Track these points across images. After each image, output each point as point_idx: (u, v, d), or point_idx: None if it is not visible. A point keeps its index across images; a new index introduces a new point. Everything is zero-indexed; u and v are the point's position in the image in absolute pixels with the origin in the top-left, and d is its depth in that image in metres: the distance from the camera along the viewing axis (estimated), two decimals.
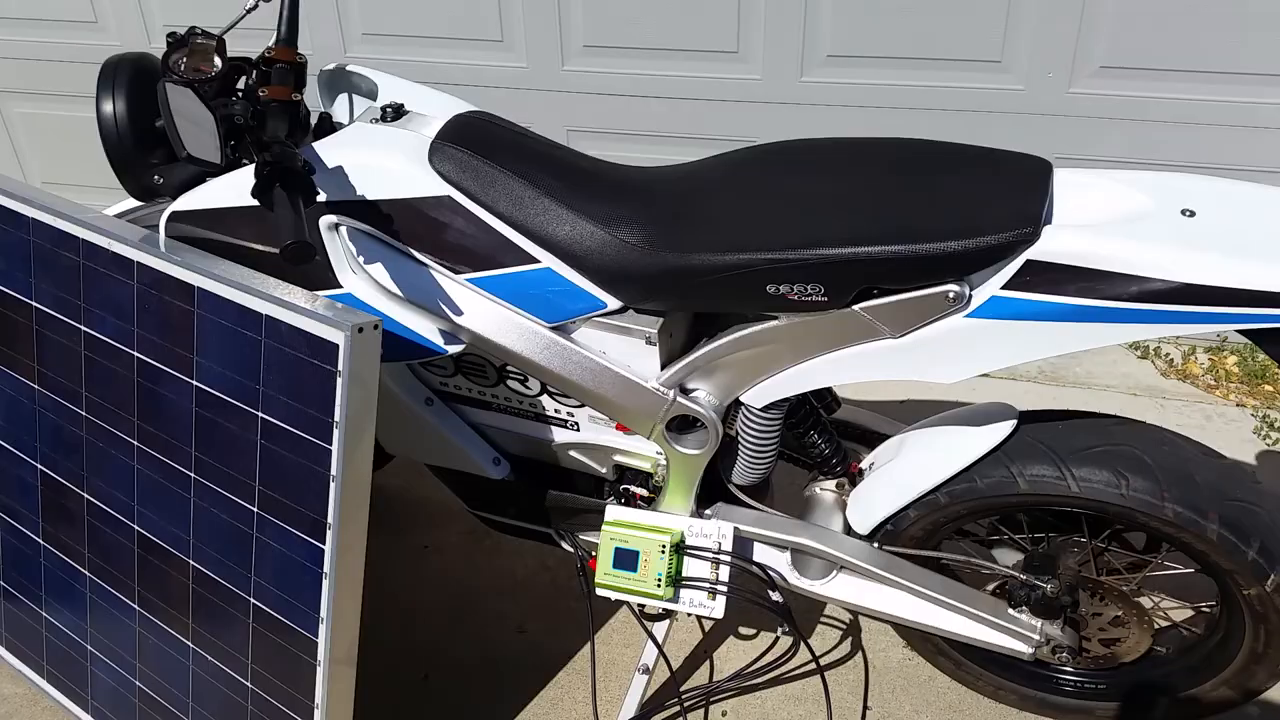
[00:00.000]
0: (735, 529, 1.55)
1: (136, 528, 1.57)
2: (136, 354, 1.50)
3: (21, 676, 1.81)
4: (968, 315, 1.25)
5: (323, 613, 1.36)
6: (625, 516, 1.57)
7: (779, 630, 1.61)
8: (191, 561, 1.50)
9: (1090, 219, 1.25)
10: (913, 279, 1.24)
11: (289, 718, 1.44)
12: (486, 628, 1.95)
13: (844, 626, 1.93)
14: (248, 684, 1.48)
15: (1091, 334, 1.20)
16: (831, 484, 1.64)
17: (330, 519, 1.32)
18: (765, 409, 1.46)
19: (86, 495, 1.63)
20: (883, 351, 1.31)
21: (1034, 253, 1.21)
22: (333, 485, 1.31)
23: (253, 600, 1.44)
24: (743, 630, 1.91)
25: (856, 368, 1.33)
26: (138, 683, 1.64)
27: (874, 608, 1.59)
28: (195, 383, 1.43)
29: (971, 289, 1.25)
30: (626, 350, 1.44)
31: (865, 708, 1.78)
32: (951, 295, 1.24)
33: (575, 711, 1.78)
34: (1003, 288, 1.23)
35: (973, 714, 1.76)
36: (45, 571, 1.72)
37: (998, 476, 1.42)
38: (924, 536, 1.55)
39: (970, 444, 1.44)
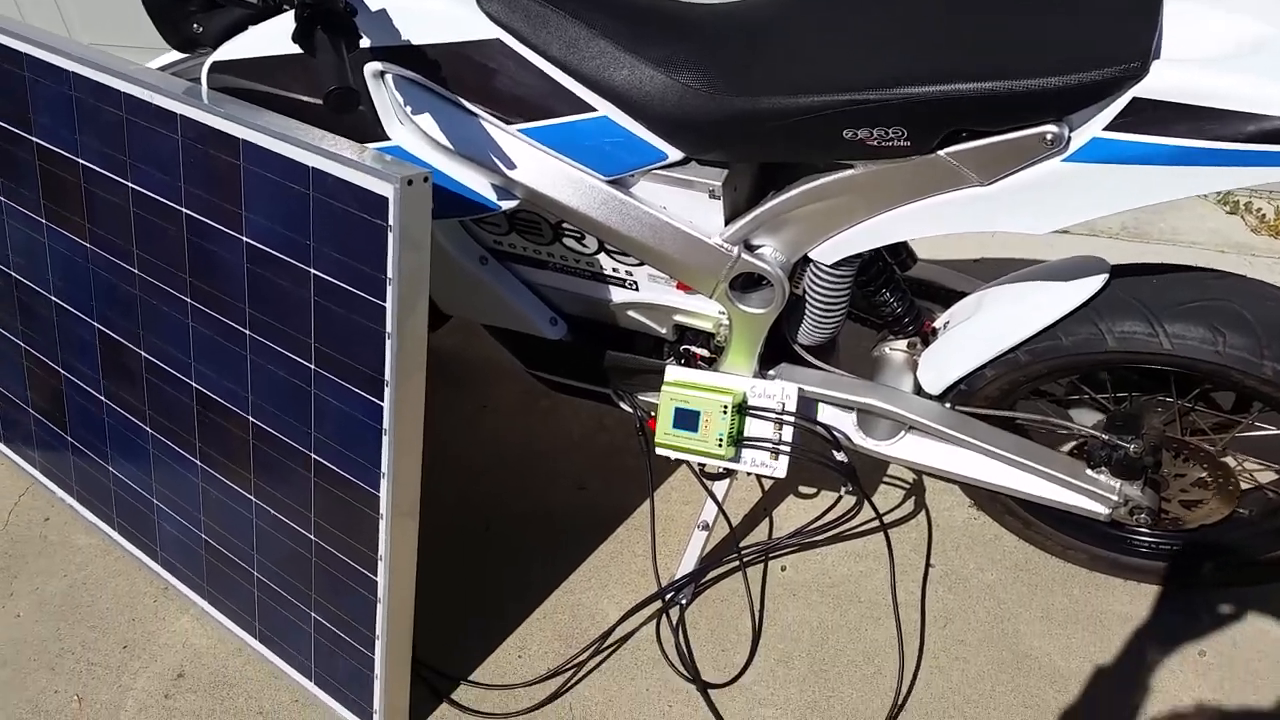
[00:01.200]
0: (800, 390, 1.50)
1: (195, 385, 1.56)
2: (185, 210, 1.46)
3: (94, 529, 1.86)
4: (1065, 159, 1.15)
5: (384, 467, 1.35)
6: (686, 377, 1.52)
7: (842, 490, 1.58)
8: (251, 418, 1.50)
9: (1203, 52, 1.13)
10: (1006, 120, 1.14)
11: (352, 569, 1.46)
12: (545, 484, 1.95)
13: (907, 485, 1.89)
14: (311, 536, 1.49)
15: (1200, 179, 1.10)
16: (902, 344, 1.57)
17: (388, 375, 1.29)
18: (836, 266, 1.38)
19: (144, 353, 1.63)
20: (968, 201, 1.22)
21: (1141, 90, 1.10)
22: (389, 342, 1.27)
23: (314, 455, 1.43)
24: (803, 489, 1.89)
25: (938, 219, 1.25)
26: (203, 535, 1.67)
27: (943, 468, 1.55)
28: (245, 238, 1.39)
29: (1070, 130, 1.15)
30: (688, 205, 1.36)
31: (928, 565, 1.76)
32: (1049, 137, 1.14)
33: (633, 565, 1.79)
34: (1105, 129, 1.12)
35: (1039, 573, 1.74)
36: (109, 428, 1.74)
37: (1084, 333, 1.34)
38: (999, 396, 1.49)
39: (1057, 299, 1.36)
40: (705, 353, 1.58)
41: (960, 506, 1.87)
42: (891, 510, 1.86)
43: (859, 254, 1.37)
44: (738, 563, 1.73)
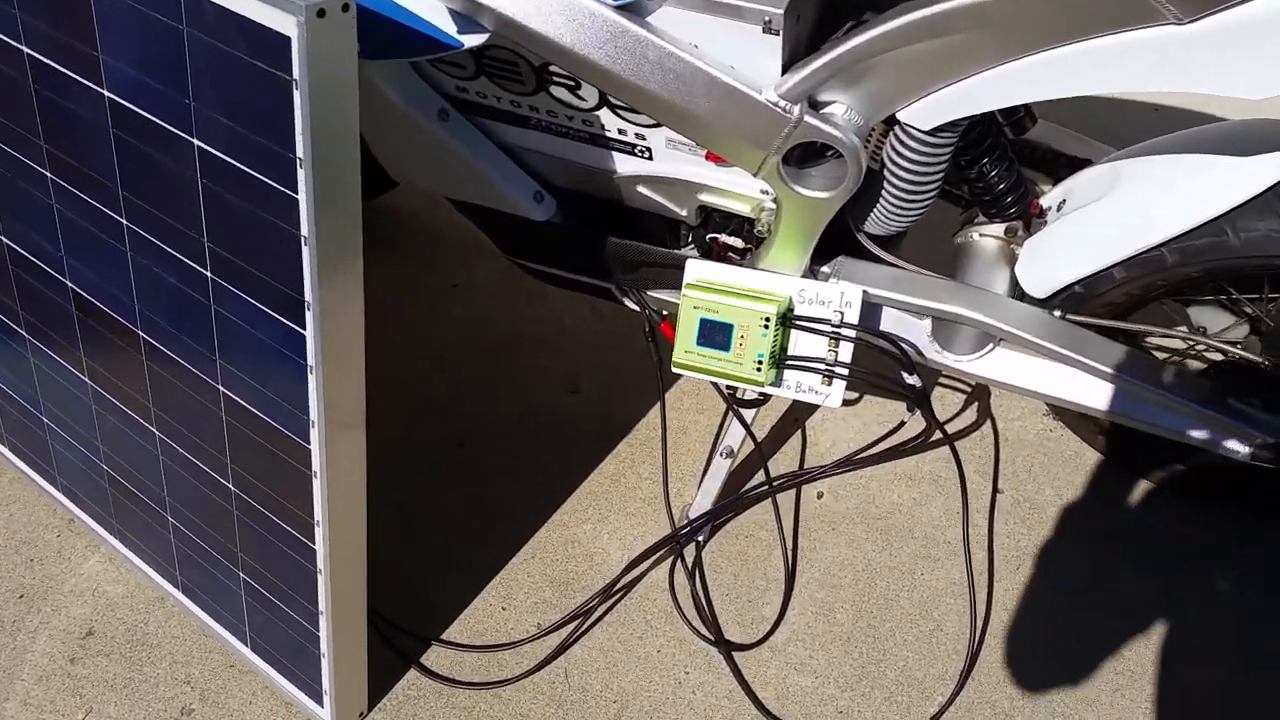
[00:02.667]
0: (864, 293, 1.14)
1: (69, 284, 1.19)
2: (27, 50, 1.04)
3: None
4: None
5: (313, 414, 1.00)
6: (714, 276, 1.16)
7: (907, 415, 1.25)
8: (140, 332, 1.13)
9: None
10: None
11: (285, 531, 1.13)
12: (530, 386, 1.61)
13: (966, 388, 1.57)
14: (230, 486, 1.16)
15: None
16: (997, 229, 1.20)
17: (309, 295, 0.92)
18: (935, 132, 1.00)
19: (4, 239, 1.24)
20: (1155, 47, 0.83)
21: None
22: (306, 250, 0.90)
23: (221, 388, 1.08)
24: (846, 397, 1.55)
25: (1104, 73, 0.86)
26: (104, 465, 1.33)
27: (1044, 391, 1.22)
28: (106, 92, 0.99)
29: None
30: (731, 43, 0.96)
31: (995, 490, 1.45)
32: None
33: (639, 490, 1.47)
34: None
35: (1129, 502, 1.43)
36: None
37: (1264, 229, 0.98)
38: (1126, 304, 1.14)
39: (1228, 180, 1.00)
40: (739, 243, 1.21)
41: (1033, 415, 1.55)
42: (949, 420, 1.54)
43: (969, 117, 0.98)
44: (766, 489, 1.41)
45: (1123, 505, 1.44)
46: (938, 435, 1.27)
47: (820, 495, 1.46)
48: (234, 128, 0.89)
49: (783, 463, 1.49)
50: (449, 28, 0.99)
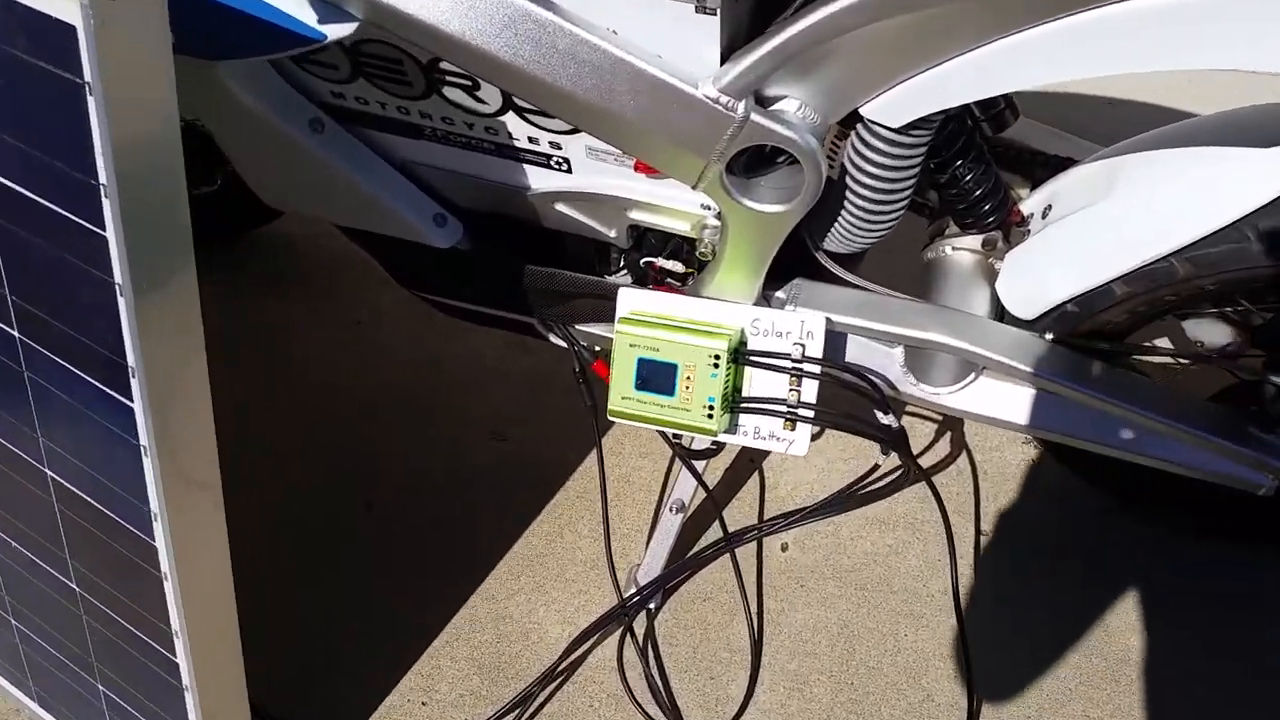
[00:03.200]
0: (827, 320, 0.97)
1: None
2: None
3: None
4: None
5: (153, 504, 0.80)
6: (653, 307, 0.98)
7: (882, 458, 1.08)
8: None
9: None
10: None
11: (141, 641, 0.92)
12: (449, 435, 1.41)
13: (938, 417, 1.41)
14: (73, 586, 0.95)
15: None
16: (973, 242, 1.04)
17: (130, 358, 0.72)
18: (906, 129, 0.83)
19: None
20: (1173, 15, 0.67)
21: None
22: (121, 300, 0.70)
23: (48, 472, 0.87)
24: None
25: (1110, 50, 0.70)
26: None
27: (1033, 425, 1.06)
28: None
29: None
30: (657, 26, 0.79)
31: (978, 532, 1.29)
32: None
33: (580, 551, 1.29)
34: None
35: (1129, 539, 1.28)
36: None
37: None
38: (1126, 324, 0.99)
39: (1248, 179, 0.84)
40: (679, 267, 1.03)
41: (1011, 443, 1.39)
42: (921, 454, 1.37)
43: (945, 110, 0.81)
44: (723, 545, 1.23)
45: (1124, 544, 1.28)
46: (913, 474, 1.10)
47: (785, 548, 1.28)
48: (24, 149, 0.69)
49: (740, 513, 1.31)
50: (308, 18, 0.80)
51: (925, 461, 1.36)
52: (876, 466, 1.12)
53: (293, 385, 1.48)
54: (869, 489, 1.20)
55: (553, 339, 1.15)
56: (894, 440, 1.02)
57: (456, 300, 1.13)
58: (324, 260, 1.65)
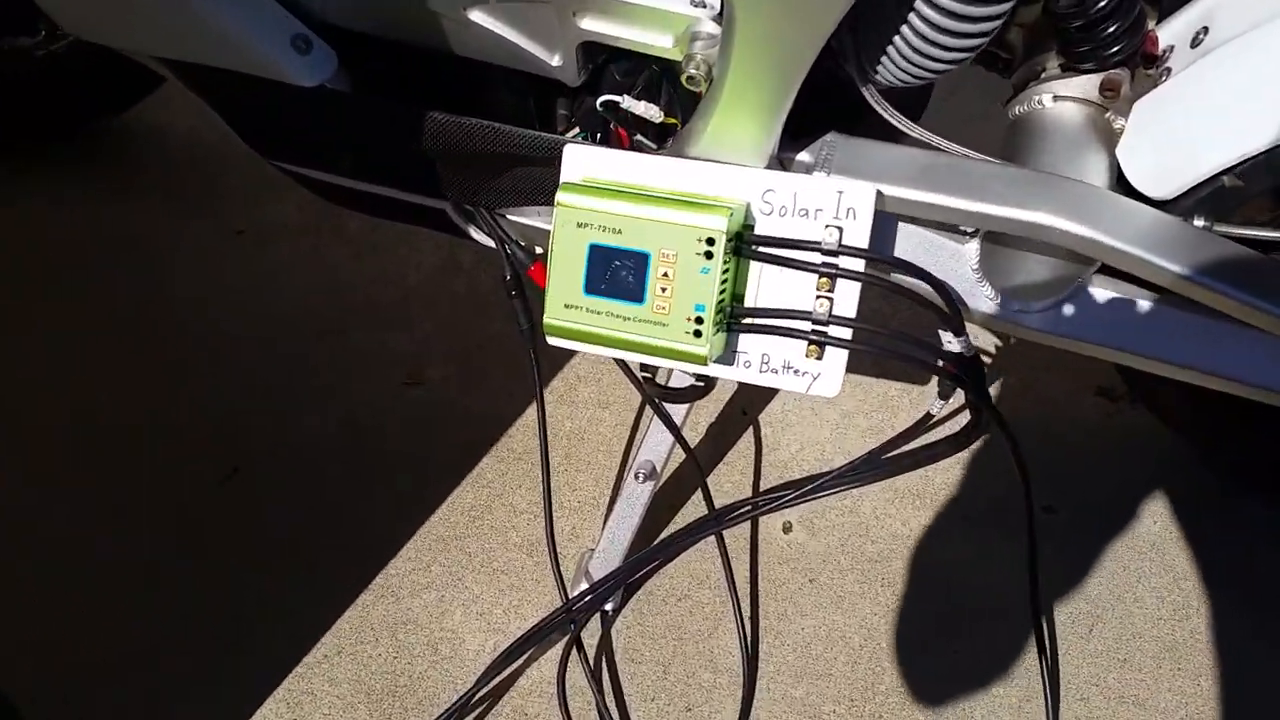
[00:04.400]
0: (877, 193, 0.64)
1: None
2: None
3: None
4: None
5: None
6: (614, 171, 0.64)
7: (937, 403, 0.75)
8: None
9: None
10: None
11: None
12: (348, 378, 1.08)
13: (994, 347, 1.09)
14: None
15: None
16: (1085, 86, 0.71)
17: None
18: None
19: None
20: None
21: None
22: None
23: None
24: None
25: None
26: None
27: (1163, 356, 0.74)
28: None
29: None
30: None
31: (1039, 509, 0.97)
32: None
33: (513, 532, 0.96)
34: None
35: (1238, 519, 0.97)
36: None
37: None
38: None
39: None
40: (653, 112, 0.69)
41: (1083, 389, 1.07)
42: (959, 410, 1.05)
43: None
44: (707, 524, 0.90)
45: (1240, 535, 0.97)
46: (980, 427, 0.77)
47: (788, 529, 0.96)
48: None
49: (730, 482, 0.99)
50: None
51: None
52: (928, 417, 0.79)
53: (150, 313, 1.13)
54: (913, 453, 0.86)
55: (475, 234, 0.82)
56: (968, 375, 0.69)
57: (328, 170, 0.79)
58: (197, 155, 1.30)
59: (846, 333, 0.65)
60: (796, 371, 0.67)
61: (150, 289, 1.15)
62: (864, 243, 0.64)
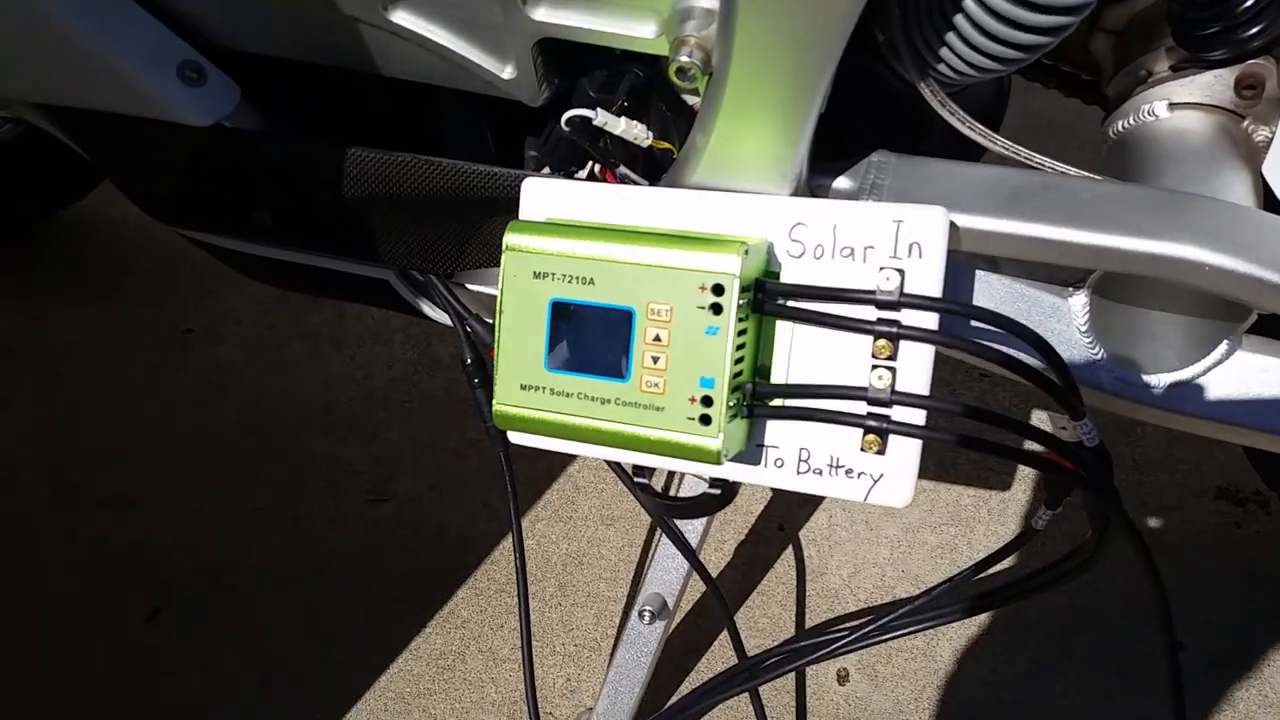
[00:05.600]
0: (950, 222, 0.45)
1: None
2: None
3: None
4: None
5: None
6: (586, 207, 0.47)
7: (1043, 516, 0.56)
8: None
9: None
10: None
11: None
12: (301, 494, 0.89)
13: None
14: None
15: None
16: (1215, 87, 0.54)
17: None
18: None
19: None
20: None
21: None
22: None
23: None
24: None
25: None
26: None
27: None
28: None
29: None
30: None
31: (1174, 645, 0.75)
32: None
33: (491, 686, 0.76)
34: None
35: None
36: None
37: None
38: None
39: None
40: (639, 132, 0.52)
41: (1199, 495, 0.86)
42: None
43: None
44: (739, 676, 0.70)
45: None
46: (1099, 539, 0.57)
47: (844, 678, 0.75)
48: None
49: (766, 617, 0.78)
50: None
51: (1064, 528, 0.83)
52: (1031, 532, 0.59)
53: (88, 425, 0.96)
54: (1018, 585, 0.65)
55: (427, 309, 0.64)
56: (1093, 473, 0.50)
57: (238, 235, 0.62)
58: (146, 252, 1.15)
59: (918, 416, 0.46)
60: (849, 472, 0.48)
61: (87, 396, 0.99)
62: (936, 289, 0.46)
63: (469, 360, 0.62)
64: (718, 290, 0.44)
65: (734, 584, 0.80)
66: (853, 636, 0.61)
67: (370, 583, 0.82)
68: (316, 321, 1.04)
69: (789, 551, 0.82)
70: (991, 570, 0.58)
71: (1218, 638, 0.76)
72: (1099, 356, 0.56)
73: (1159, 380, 0.55)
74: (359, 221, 0.59)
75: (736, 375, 0.45)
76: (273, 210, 0.60)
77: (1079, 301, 0.56)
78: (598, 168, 0.55)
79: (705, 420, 0.44)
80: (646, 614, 0.64)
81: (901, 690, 0.74)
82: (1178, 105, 0.56)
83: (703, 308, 0.44)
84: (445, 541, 0.84)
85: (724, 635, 0.74)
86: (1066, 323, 0.56)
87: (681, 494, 0.61)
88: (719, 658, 0.74)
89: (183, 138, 0.57)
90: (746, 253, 0.44)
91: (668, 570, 0.65)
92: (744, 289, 0.44)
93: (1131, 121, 0.57)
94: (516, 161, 0.59)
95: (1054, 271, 0.58)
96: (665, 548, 0.64)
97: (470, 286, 0.63)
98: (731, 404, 0.45)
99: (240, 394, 0.98)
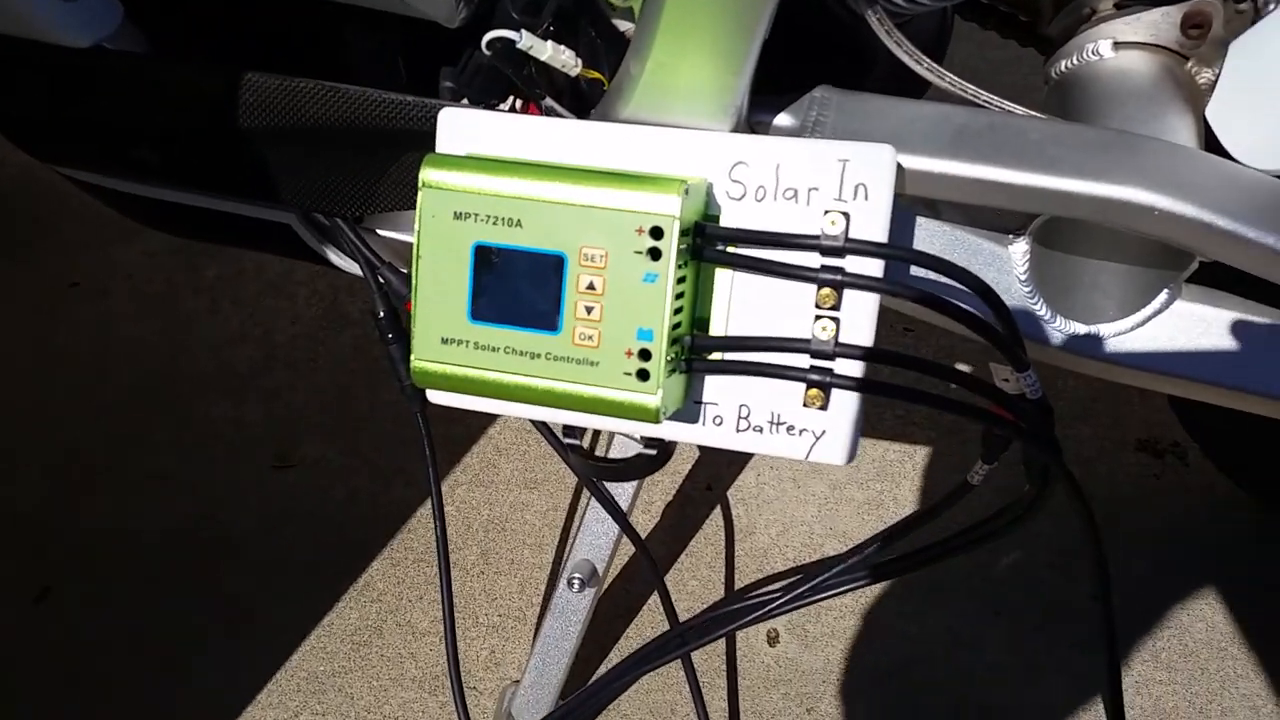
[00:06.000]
0: (894, 157, 0.43)
1: None
2: None
3: None
4: None
5: None
6: (510, 140, 0.43)
7: (979, 470, 0.54)
8: None
9: None
10: None
11: None
12: (199, 459, 0.84)
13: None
14: None
15: None
16: (1157, 26, 0.52)
17: None
18: None
19: None
20: None
21: None
22: None
23: None
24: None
25: None
26: None
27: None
28: None
29: None
30: None
31: (1089, 595, 0.76)
32: None
33: (413, 661, 0.72)
34: None
35: None
36: None
37: None
38: None
39: None
40: (566, 58, 0.48)
41: (1120, 447, 0.87)
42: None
43: None
44: (671, 642, 0.67)
45: None
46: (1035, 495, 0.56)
47: (774, 639, 0.74)
48: None
49: (695, 579, 0.76)
50: None
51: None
52: (966, 486, 0.58)
53: None
54: (949, 542, 0.64)
55: (333, 256, 0.60)
56: (1036, 426, 0.48)
57: (122, 173, 0.56)
58: (25, 197, 1.06)
59: (859, 368, 0.44)
60: (790, 429, 0.45)
61: None
62: (882, 234, 0.43)
63: (381, 313, 0.57)
64: (656, 233, 0.40)
65: (662, 546, 0.77)
66: (785, 598, 0.59)
67: (277, 555, 0.77)
68: (213, 276, 0.97)
69: (717, 511, 0.80)
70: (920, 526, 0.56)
71: (1138, 590, 0.77)
72: (1038, 307, 0.55)
73: (1099, 330, 0.54)
74: (256, 157, 0.53)
75: (675, 327, 0.42)
76: (160, 144, 0.54)
77: (1019, 249, 0.54)
78: (518, 101, 0.51)
79: (643, 375, 0.41)
80: (576, 581, 0.61)
81: (832, 649, 0.72)
82: (1122, 45, 0.54)
83: (640, 252, 0.41)
84: (357, 509, 0.80)
85: (651, 600, 0.72)
86: (1006, 271, 0.54)
87: (612, 454, 0.58)
88: (647, 623, 0.72)
89: (58, 60, 0.51)
90: (687, 193, 0.41)
91: (596, 535, 0.62)
92: (683, 233, 0.41)
93: (1075, 61, 0.55)
94: (430, 92, 0.54)
95: (993, 217, 0.56)
96: (594, 511, 0.61)
97: (381, 232, 0.58)
98: (670, 358, 0.42)
99: (130, 353, 0.92)
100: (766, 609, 0.59)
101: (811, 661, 0.72)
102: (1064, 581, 0.77)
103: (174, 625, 0.73)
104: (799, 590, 0.59)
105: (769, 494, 0.81)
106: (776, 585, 0.61)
